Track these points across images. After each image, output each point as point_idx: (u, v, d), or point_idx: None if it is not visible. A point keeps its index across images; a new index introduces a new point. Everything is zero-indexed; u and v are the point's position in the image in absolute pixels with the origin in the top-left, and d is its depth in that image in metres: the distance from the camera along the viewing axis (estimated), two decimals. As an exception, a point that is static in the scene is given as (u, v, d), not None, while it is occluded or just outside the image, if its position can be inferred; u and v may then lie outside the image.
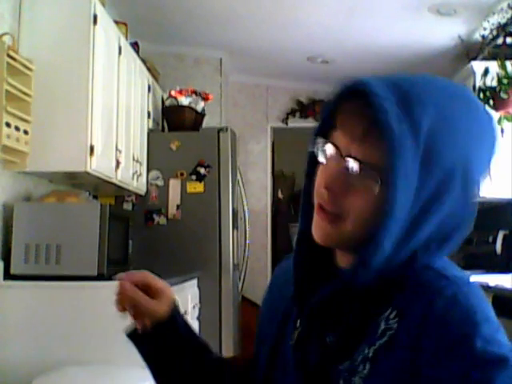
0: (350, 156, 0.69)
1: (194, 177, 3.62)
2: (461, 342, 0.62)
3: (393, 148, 0.64)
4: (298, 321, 0.78)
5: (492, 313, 0.68)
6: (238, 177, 3.95)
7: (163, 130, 4.04)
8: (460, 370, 0.61)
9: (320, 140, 0.74)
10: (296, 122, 5.28)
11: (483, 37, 3.71)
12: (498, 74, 3.39)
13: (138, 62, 3.51)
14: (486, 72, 3.47)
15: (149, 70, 3.82)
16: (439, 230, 0.71)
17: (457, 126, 0.69)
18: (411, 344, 0.64)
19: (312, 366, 0.75)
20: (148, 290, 0.90)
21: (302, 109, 5.31)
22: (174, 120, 3.86)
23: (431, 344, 0.63)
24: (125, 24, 3.47)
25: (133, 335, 0.89)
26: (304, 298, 0.77)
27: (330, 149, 0.72)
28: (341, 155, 0.70)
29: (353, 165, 0.68)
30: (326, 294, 0.73)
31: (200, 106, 3.91)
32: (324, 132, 0.75)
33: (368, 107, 0.67)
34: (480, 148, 0.72)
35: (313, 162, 0.75)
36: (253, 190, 5.14)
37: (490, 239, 4.11)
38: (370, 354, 0.67)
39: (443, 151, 0.67)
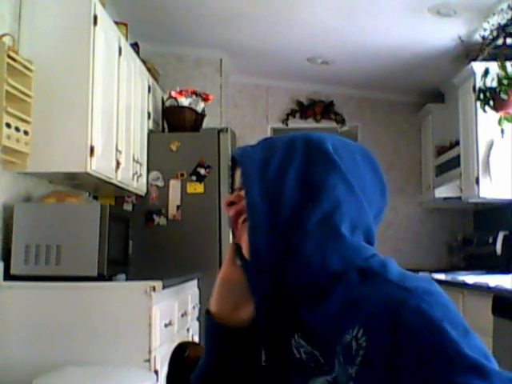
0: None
1: (194, 177, 3.62)
2: (434, 351, 0.61)
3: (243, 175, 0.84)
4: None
5: (458, 317, 0.67)
6: (238, 177, 3.95)
7: (163, 130, 4.04)
8: (442, 379, 0.60)
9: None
10: (296, 123, 5.28)
11: (483, 37, 3.71)
12: (498, 75, 3.39)
13: (138, 62, 3.51)
14: (486, 73, 3.47)
15: (149, 70, 3.82)
16: (323, 214, 0.76)
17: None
18: (385, 363, 0.64)
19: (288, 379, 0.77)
20: None
21: (302, 109, 5.30)
22: (174, 121, 3.86)
23: (406, 360, 0.63)
24: (125, 24, 3.47)
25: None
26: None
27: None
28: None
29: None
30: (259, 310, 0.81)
31: (200, 106, 3.91)
32: None
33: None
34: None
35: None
36: (253, 190, 5.13)
37: (490, 240, 4.11)
38: (353, 374, 0.66)
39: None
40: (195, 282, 3.38)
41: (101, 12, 2.70)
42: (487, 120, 3.62)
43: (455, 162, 4.20)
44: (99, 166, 2.67)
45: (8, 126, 2.31)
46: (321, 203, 0.76)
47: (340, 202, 0.77)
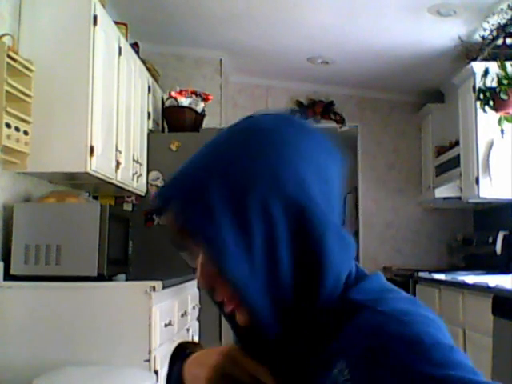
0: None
1: (194, 177, 3.61)
2: (420, 380, 0.57)
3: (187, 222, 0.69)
4: None
5: (441, 334, 0.62)
6: (238, 177, 3.95)
7: (163, 130, 4.04)
8: None
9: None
10: (296, 123, 5.28)
11: (483, 37, 3.71)
12: (497, 75, 3.39)
13: (138, 62, 3.51)
14: (486, 73, 3.47)
15: (149, 70, 3.82)
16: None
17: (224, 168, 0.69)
18: None
19: None
20: None
21: (302, 109, 5.31)
22: (174, 121, 3.86)
23: None
24: (125, 24, 3.47)
25: None
26: None
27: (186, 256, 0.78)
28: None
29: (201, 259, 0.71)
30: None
31: (200, 106, 3.91)
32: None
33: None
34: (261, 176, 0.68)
35: None
36: (253, 190, 5.13)
37: (490, 240, 4.11)
38: None
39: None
40: (195, 282, 3.37)
41: (101, 12, 2.70)
42: (487, 120, 3.62)
43: (455, 162, 4.20)
44: (99, 165, 2.67)
45: (8, 125, 2.31)
46: (324, 284, 0.68)
47: (340, 270, 0.69)
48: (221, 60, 4.62)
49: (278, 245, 0.66)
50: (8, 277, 2.39)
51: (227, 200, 0.67)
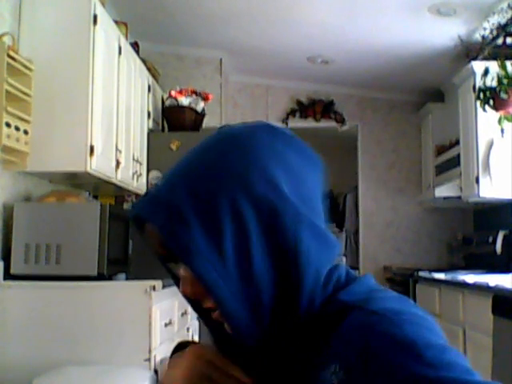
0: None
1: (194, 177, 3.61)
2: (408, 376, 0.57)
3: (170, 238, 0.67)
4: None
5: (434, 333, 0.62)
6: (238, 177, 3.94)
7: (163, 130, 4.04)
8: None
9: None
10: (296, 122, 5.28)
11: (483, 37, 3.71)
12: (498, 74, 3.39)
13: (138, 61, 3.51)
14: (486, 72, 3.47)
15: (149, 69, 3.82)
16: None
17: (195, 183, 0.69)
18: None
19: None
20: None
21: (302, 109, 5.30)
22: (174, 120, 3.86)
23: None
24: (125, 24, 3.46)
25: None
26: None
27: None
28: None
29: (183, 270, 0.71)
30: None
31: (200, 106, 3.91)
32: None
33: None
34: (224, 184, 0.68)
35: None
36: (253, 189, 5.12)
37: (490, 239, 4.11)
38: None
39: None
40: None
41: (101, 11, 2.70)
42: (487, 119, 3.62)
43: (455, 162, 4.20)
44: (99, 165, 2.67)
45: (8, 125, 2.31)
46: (304, 283, 0.67)
47: (318, 268, 0.69)
48: (221, 59, 4.62)
49: (249, 243, 0.66)
50: (8, 276, 2.39)
51: (197, 202, 0.67)
